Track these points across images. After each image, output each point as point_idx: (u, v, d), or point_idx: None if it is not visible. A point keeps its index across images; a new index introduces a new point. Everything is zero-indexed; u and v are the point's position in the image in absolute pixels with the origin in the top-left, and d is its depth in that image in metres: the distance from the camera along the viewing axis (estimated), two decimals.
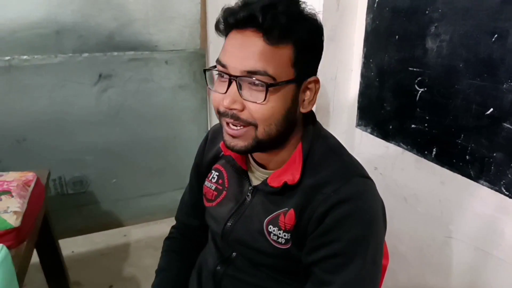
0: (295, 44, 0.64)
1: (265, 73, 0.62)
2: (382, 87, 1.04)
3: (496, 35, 0.74)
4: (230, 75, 0.64)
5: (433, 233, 0.95)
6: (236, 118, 0.65)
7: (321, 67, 1.08)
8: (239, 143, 0.68)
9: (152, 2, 1.85)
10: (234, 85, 0.64)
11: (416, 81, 0.92)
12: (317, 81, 0.71)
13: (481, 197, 0.82)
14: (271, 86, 0.63)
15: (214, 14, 1.89)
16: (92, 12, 1.75)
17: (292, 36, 0.64)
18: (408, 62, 0.94)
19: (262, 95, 0.63)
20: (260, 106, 0.64)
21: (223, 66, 0.65)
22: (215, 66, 0.68)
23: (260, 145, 0.68)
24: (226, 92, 0.65)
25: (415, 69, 0.92)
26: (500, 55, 0.73)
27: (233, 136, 0.68)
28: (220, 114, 0.68)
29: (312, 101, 0.72)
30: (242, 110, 0.65)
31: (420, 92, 0.92)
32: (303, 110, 0.72)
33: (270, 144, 0.69)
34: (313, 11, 0.68)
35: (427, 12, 0.87)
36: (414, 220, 1.00)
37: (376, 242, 0.68)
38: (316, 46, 0.70)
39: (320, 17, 1.02)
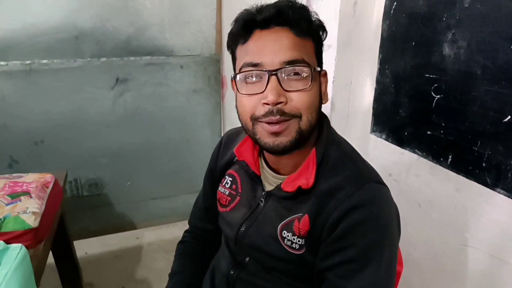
0: (314, 37, 0.70)
1: (303, 61, 0.66)
2: (397, 93, 1.03)
3: None
4: (268, 71, 0.65)
5: (448, 240, 0.94)
6: (282, 113, 0.65)
7: (336, 73, 1.09)
8: (284, 139, 0.67)
9: (168, 8, 1.88)
10: (274, 79, 0.65)
11: (433, 87, 0.92)
12: (326, 74, 0.76)
13: (497, 204, 0.80)
14: (314, 71, 0.67)
15: (229, 19, 1.91)
16: (110, 17, 1.79)
17: (313, 28, 0.70)
18: (424, 68, 0.94)
19: (305, 82, 0.66)
20: (303, 94, 0.66)
21: (256, 65, 0.66)
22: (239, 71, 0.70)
23: (301, 138, 0.68)
24: (264, 91, 0.65)
25: (431, 76, 0.92)
26: None
27: (277, 134, 0.67)
28: (256, 119, 0.68)
29: (326, 93, 0.76)
30: (286, 103, 0.66)
31: (436, 98, 0.91)
32: (324, 102, 0.74)
33: (308, 136, 0.70)
34: (314, 12, 0.73)
35: (444, 18, 0.87)
36: (429, 226, 0.99)
37: (391, 248, 0.68)
38: (322, 41, 0.75)
39: (336, 23, 1.04)
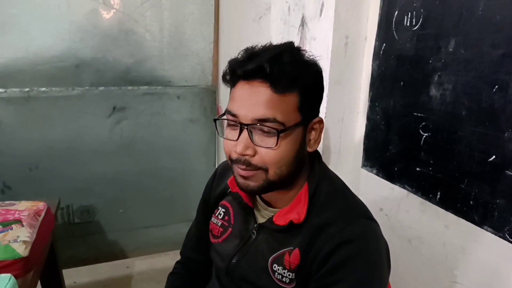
0: (301, 91, 0.69)
1: (274, 120, 0.66)
2: (387, 130, 1.07)
3: (496, 86, 0.77)
4: (241, 124, 0.68)
5: (437, 277, 0.95)
6: (247, 164, 0.68)
7: (328, 109, 1.12)
8: (251, 184, 0.71)
9: (168, 41, 1.94)
10: (245, 132, 0.67)
11: (421, 126, 0.95)
12: (321, 121, 0.75)
13: (485, 243, 0.82)
14: (281, 132, 0.66)
15: (226, 52, 1.97)
16: (111, 48, 1.84)
17: (298, 84, 0.68)
18: (412, 108, 0.97)
19: (274, 140, 0.67)
20: (271, 151, 0.67)
21: (234, 115, 0.69)
22: (223, 114, 0.72)
23: (271, 186, 0.71)
24: (237, 139, 0.68)
25: (419, 115, 0.95)
26: (501, 105, 0.76)
27: (245, 177, 0.70)
28: (232, 161, 0.72)
29: (318, 140, 0.76)
30: (254, 155, 0.68)
31: (424, 136, 0.94)
32: (309, 150, 0.75)
33: (281, 184, 0.72)
34: (313, 57, 0.73)
35: (430, 61, 0.91)
36: (419, 262, 1.00)
37: (380, 284, 0.69)
38: (319, 89, 0.75)
39: (328, 62, 1.08)
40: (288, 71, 0.67)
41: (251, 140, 0.68)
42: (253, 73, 0.67)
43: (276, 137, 0.66)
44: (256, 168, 0.69)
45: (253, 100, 0.67)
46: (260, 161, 0.68)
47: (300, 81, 0.68)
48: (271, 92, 0.66)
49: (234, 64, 0.70)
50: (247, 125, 0.67)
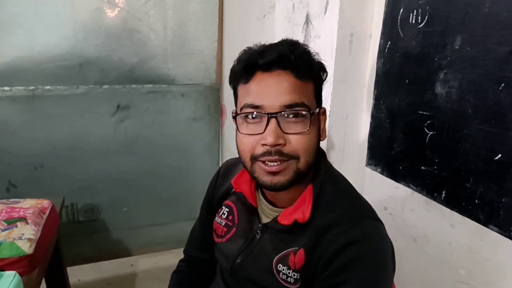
0: (314, 79, 0.72)
1: (302, 104, 0.68)
2: (392, 128, 1.06)
3: (503, 84, 0.76)
4: (268, 113, 0.67)
5: (443, 276, 0.94)
6: (280, 153, 0.67)
7: (332, 107, 1.12)
8: (282, 179, 0.69)
9: (171, 40, 1.94)
10: (273, 122, 0.67)
11: (426, 124, 0.94)
12: (325, 111, 0.77)
13: (491, 242, 0.81)
14: (312, 114, 0.68)
15: (230, 51, 1.97)
16: (115, 47, 1.84)
17: (313, 71, 0.72)
18: (418, 106, 0.97)
19: (304, 125, 0.68)
20: (302, 137, 0.68)
21: (257, 107, 0.68)
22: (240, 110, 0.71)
23: (299, 178, 0.70)
24: (264, 132, 0.67)
25: (424, 113, 0.95)
26: (507, 103, 0.75)
27: (275, 173, 0.69)
28: (254, 159, 0.70)
29: (324, 130, 0.77)
30: (285, 145, 0.67)
31: (429, 135, 0.94)
32: (322, 139, 0.76)
33: (305, 175, 0.72)
34: (315, 52, 0.75)
35: (436, 59, 0.90)
36: (424, 261, 0.99)
37: (385, 285, 0.68)
38: (323, 80, 0.77)
39: (333, 60, 1.07)
40: (306, 59, 0.70)
41: (280, 129, 0.67)
42: (275, 62, 0.68)
43: (308, 121, 0.68)
44: (289, 157, 0.68)
45: (279, 88, 0.68)
46: (292, 149, 0.68)
47: (314, 68, 0.72)
48: (294, 79, 0.68)
49: (251, 56, 0.70)
50: (275, 113, 0.67)
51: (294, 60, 0.68)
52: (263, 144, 0.67)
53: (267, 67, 0.69)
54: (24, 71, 1.73)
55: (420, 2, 0.94)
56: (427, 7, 0.92)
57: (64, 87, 1.80)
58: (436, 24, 0.90)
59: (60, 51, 1.76)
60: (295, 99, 0.67)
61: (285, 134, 0.67)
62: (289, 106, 0.67)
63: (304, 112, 0.68)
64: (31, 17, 1.69)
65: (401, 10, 1.00)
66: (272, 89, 0.68)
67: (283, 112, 0.67)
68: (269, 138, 0.66)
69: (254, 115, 0.69)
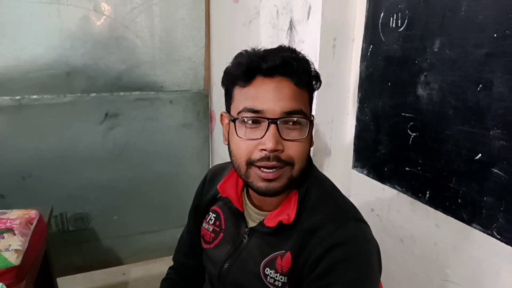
0: (309, 88, 0.74)
1: (301, 112, 0.69)
2: (377, 130, 1.07)
3: (481, 85, 0.78)
4: (269, 119, 0.67)
5: (430, 276, 0.95)
6: (278, 159, 0.68)
7: (318, 111, 1.13)
8: (276, 185, 0.70)
9: (159, 46, 1.94)
10: (273, 127, 0.67)
11: (409, 125, 0.96)
12: (313, 119, 0.78)
13: (474, 240, 0.83)
14: (311, 122, 0.70)
15: (217, 57, 1.98)
16: (102, 55, 1.84)
17: (310, 80, 0.73)
18: (400, 108, 0.98)
19: (302, 132, 0.69)
20: (299, 144, 0.69)
21: (257, 111, 0.68)
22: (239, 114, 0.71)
23: (291, 184, 0.71)
24: (263, 137, 0.67)
25: (407, 115, 0.96)
26: (486, 104, 0.77)
27: (270, 180, 0.69)
28: (251, 163, 0.69)
29: (312, 137, 0.78)
30: (283, 151, 0.68)
31: (412, 136, 0.95)
32: (311, 145, 0.76)
33: (297, 182, 0.73)
34: (311, 61, 0.76)
35: (416, 62, 0.92)
36: (411, 262, 1.01)
37: (372, 285, 0.69)
38: (315, 90, 0.78)
39: (317, 64, 1.08)
40: (306, 67, 0.72)
41: (279, 134, 0.68)
42: (278, 68, 0.68)
43: (306, 129, 0.69)
44: (285, 163, 0.69)
45: (280, 94, 0.68)
46: (288, 156, 0.69)
47: (312, 78, 0.74)
48: (294, 86, 0.70)
49: (253, 60, 0.70)
50: (276, 119, 0.67)
51: (296, 68, 0.69)
52: (262, 149, 0.68)
53: (270, 73, 0.69)
54: (10, 80, 1.71)
55: (399, 6, 0.96)
56: (407, 11, 0.94)
57: (51, 96, 1.79)
58: (416, 28, 0.92)
59: (47, 60, 1.76)
60: (295, 106, 0.68)
61: (284, 141, 0.68)
62: (290, 113, 0.68)
63: (303, 120, 0.69)
64: (17, 26, 1.68)
65: (382, 14, 1.02)
66: (273, 95, 0.68)
67: (283, 118, 0.68)
68: (269, 144, 0.66)
69: (253, 120, 0.69)
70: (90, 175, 1.95)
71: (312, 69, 0.74)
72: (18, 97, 1.73)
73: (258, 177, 0.70)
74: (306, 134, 0.70)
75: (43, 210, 1.35)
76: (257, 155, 0.68)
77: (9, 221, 1.14)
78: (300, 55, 0.73)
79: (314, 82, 0.76)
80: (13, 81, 1.72)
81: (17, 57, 1.71)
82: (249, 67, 0.70)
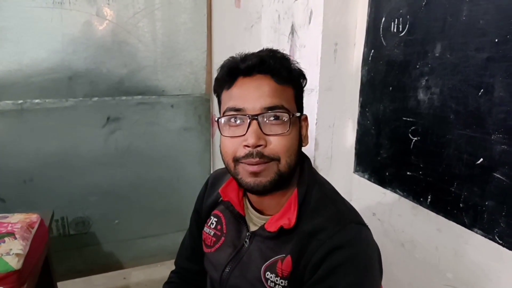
0: (293, 84, 0.75)
1: (282, 107, 0.70)
2: (378, 135, 1.07)
3: (482, 90, 0.78)
4: (250, 115, 0.69)
5: (431, 280, 0.95)
6: (261, 155, 0.68)
7: (319, 115, 1.14)
8: (263, 179, 0.70)
9: (161, 51, 1.95)
10: (254, 123, 0.68)
11: (410, 130, 0.96)
12: (306, 118, 0.80)
13: (476, 245, 0.82)
14: (292, 116, 0.70)
15: (219, 61, 1.97)
16: (104, 59, 1.85)
17: (292, 76, 0.74)
18: (402, 112, 0.98)
19: (284, 127, 0.70)
20: (282, 138, 0.69)
21: (239, 110, 0.70)
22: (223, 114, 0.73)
23: (281, 179, 0.71)
24: (246, 134, 0.69)
25: (408, 119, 0.96)
26: (487, 108, 0.77)
27: (256, 173, 0.70)
28: (237, 161, 0.71)
29: (306, 136, 0.79)
30: (266, 146, 0.69)
31: (414, 140, 0.95)
32: (304, 145, 0.77)
33: (288, 177, 0.73)
34: (294, 60, 0.77)
35: (417, 66, 0.92)
36: (412, 266, 1.00)
37: None
38: (303, 86, 0.79)
39: (318, 69, 1.09)
40: (285, 64, 0.73)
41: (261, 130, 0.69)
42: (255, 67, 0.71)
43: (287, 123, 0.70)
44: (269, 159, 0.69)
45: (259, 91, 0.70)
46: (272, 151, 0.69)
47: (293, 74, 0.74)
48: (274, 83, 0.71)
49: (233, 62, 0.73)
50: (256, 115, 0.69)
51: (274, 64, 0.71)
52: (245, 146, 0.69)
53: (248, 72, 0.71)
54: (12, 85, 1.72)
55: (400, 11, 0.96)
56: (408, 16, 0.94)
57: (53, 100, 1.79)
58: (417, 32, 0.92)
59: (49, 64, 1.76)
60: (275, 102, 0.70)
61: (266, 136, 0.69)
62: (270, 108, 0.69)
63: (283, 114, 0.70)
64: (20, 30, 1.69)
65: (383, 19, 1.02)
66: (253, 93, 0.70)
67: (264, 114, 0.69)
68: (250, 139, 0.68)
69: (235, 118, 0.71)
70: (91, 179, 1.95)
71: (292, 66, 0.75)
72: (20, 101, 1.74)
73: (245, 172, 0.71)
74: (288, 129, 0.70)
75: (44, 214, 1.35)
76: (241, 152, 0.70)
77: (10, 225, 1.14)
78: (278, 53, 0.74)
79: (301, 80, 0.77)
80: (15, 85, 1.73)
81: (20, 61, 1.72)
82: (230, 68, 0.73)
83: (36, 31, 1.72)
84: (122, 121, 1.95)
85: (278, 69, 0.71)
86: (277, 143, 0.69)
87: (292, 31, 1.19)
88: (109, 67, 1.87)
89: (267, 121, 0.70)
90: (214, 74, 2.14)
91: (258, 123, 0.69)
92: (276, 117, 0.70)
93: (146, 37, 1.91)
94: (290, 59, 0.76)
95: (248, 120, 0.69)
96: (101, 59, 1.85)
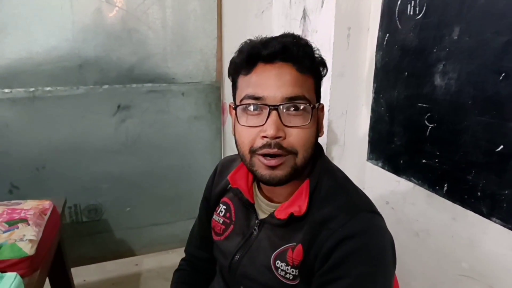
0: (314, 74, 0.72)
1: (303, 97, 0.67)
2: (392, 122, 1.05)
3: (503, 74, 0.75)
4: (269, 105, 0.66)
5: (446, 270, 0.93)
6: (279, 146, 0.66)
7: (331, 102, 1.11)
8: (279, 173, 0.68)
9: (171, 38, 1.94)
10: (274, 114, 0.66)
11: (426, 117, 0.93)
12: (323, 107, 0.77)
13: (493, 234, 0.80)
14: (313, 108, 0.68)
15: (229, 48, 1.96)
16: (114, 47, 1.84)
17: (314, 65, 0.71)
18: (417, 98, 0.95)
19: (305, 119, 0.67)
20: (302, 131, 0.67)
21: (258, 98, 0.67)
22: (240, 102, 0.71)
23: (296, 173, 0.70)
24: (265, 124, 0.66)
25: (424, 105, 0.93)
26: (507, 94, 0.74)
27: (273, 167, 0.68)
28: (253, 151, 0.69)
29: (322, 126, 0.76)
30: (285, 138, 0.67)
31: (430, 127, 0.93)
32: (320, 135, 0.75)
33: (303, 171, 0.71)
34: (316, 47, 0.74)
35: (434, 50, 0.89)
36: (427, 255, 0.98)
37: (385, 279, 0.67)
38: (322, 77, 0.76)
39: (331, 54, 1.06)
40: (308, 52, 0.70)
41: (281, 121, 0.66)
42: (278, 53, 0.67)
43: (309, 115, 0.67)
44: (287, 152, 0.67)
45: (281, 80, 0.67)
46: (291, 144, 0.67)
47: (315, 63, 0.71)
48: (295, 71, 0.68)
49: (254, 47, 0.69)
50: (277, 105, 0.66)
51: (297, 53, 0.68)
52: (263, 137, 0.67)
53: (270, 59, 0.68)
54: (23, 72, 1.73)
55: None
56: None
57: (64, 88, 1.80)
58: (434, 15, 0.89)
59: (60, 52, 1.76)
60: (296, 92, 0.67)
61: (286, 127, 0.67)
62: (291, 99, 0.66)
63: (305, 106, 0.67)
64: (30, 18, 1.69)
65: (399, 1, 0.98)
66: (274, 81, 0.67)
67: (284, 105, 0.66)
68: (270, 130, 0.65)
69: (254, 107, 0.68)
70: (103, 167, 1.97)
71: (316, 54, 0.72)
72: (32, 89, 1.75)
73: (262, 165, 0.69)
74: (309, 121, 0.67)
75: (57, 201, 1.36)
76: (259, 142, 0.67)
77: (23, 211, 1.15)
78: (302, 40, 0.71)
79: (321, 69, 0.74)
80: (27, 73, 1.74)
81: (30, 50, 1.72)
82: (250, 54, 0.69)
83: (46, 19, 1.72)
84: (133, 109, 1.95)
85: (301, 57, 0.68)
86: (296, 136, 0.67)
87: (304, 15, 1.16)
88: (119, 55, 1.86)
89: (287, 112, 0.67)
90: (225, 62, 2.13)
91: (278, 114, 0.66)
92: (297, 108, 0.67)
93: (156, 24, 1.90)
94: (313, 46, 0.72)
95: (268, 110, 0.66)
96: (111, 46, 1.84)
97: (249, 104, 0.68)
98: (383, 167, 1.11)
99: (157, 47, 1.93)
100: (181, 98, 2.04)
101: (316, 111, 0.71)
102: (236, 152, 0.77)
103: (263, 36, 0.73)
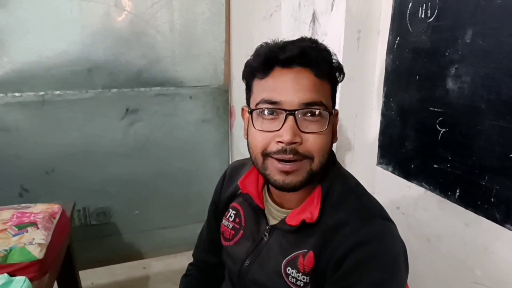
0: (331, 79, 0.71)
1: (321, 103, 0.66)
2: (403, 126, 1.03)
3: None
4: (286, 110, 0.65)
5: (458, 277, 0.91)
6: (295, 152, 0.65)
7: (341, 106, 1.10)
8: (294, 179, 0.67)
9: (179, 41, 1.94)
10: (291, 119, 0.65)
11: (438, 121, 0.92)
12: (337, 113, 0.76)
13: (508, 241, 0.78)
14: (331, 114, 0.67)
15: (237, 51, 1.96)
16: (123, 50, 1.85)
17: (332, 71, 0.70)
18: (429, 102, 0.94)
19: (322, 125, 0.66)
20: (318, 137, 0.66)
21: (274, 103, 0.66)
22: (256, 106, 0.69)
23: (311, 179, 0.69)
24: (280, 129, 0.65)
25: (436, 109, 0.92)
26: None
27: (287, 173, 0.67)
28: (267, 155, 0.68)
29: (336, 132, 0.76)
30: (301, 144, 0.66)
31: (441, 132, 0.91)
32: (334, 141, 0.74)
33: (317, 177, 0.70)
34: (334, 52, 0.72)
35: (447, 53, 0.87)
36: (438, 262, 0.97)
37: (398, 286, 0.66)
38: (338, 83, 0.75)
39: (341, 57, 1.05)
40: (326, 57, 0.69)
41: (297, 127, 0.65)
42: (296, 58, 0.66)
43: (326, 121, 0.66)
44: (303, 157, 0.66)
45: (298, 85, 0.66)
46: (307, 149, 0.66)
47: (333, 68, 0.70)
48: (313, 77, 0.67)
49: (271, 51, 0.68)
50: (294, 110, 0.65)
51: (315, 58, 0.67)
52: (279, 142, 0.66)
53: (287, 63, 0.67)
54: (33, 76, 1.74)
55: None
56: (437, 1, 0.90)
57: (73, 91, 1.81)
58: (446, 18, 0.88)
59: (69, 56, 1.77)
60: (314, 97, 0.66)
61: (302, 133, 0.66)
62: (308, 104, 0.66)
63: (322, 112, 0.66)
64: (40, 23, 1.70)
65: (410, 4, 0.97)
66: (291, 86, 0.66)
67: (301, 110, 0.65)
68: (286, 136, 0.64)
69: (270, 111, 0.67)
70: (111, 170, 1.97)
71: (333, 60, 0.71)
72: (41, 93, 1.76)
73: (275, 169, 0.67)
74: (326, 127, 0.67)
75: (66, 205, 1.37)
76: (273, 147, 0.66)
77: (32, 215, 1.16)
78: (320, 45, 0.70)
79: (337, 74, 0.73)
80: (37, 77, 1.75)
81: (40, 53, 1.73)
82: (267, 57, 0.68)
83: (55, 23, 1.73)
84: (141, 113, 1.96)
85: (319, 62, 0.67)
86: (313, 142, 0.66)
87: (314, 18, 1.15)
88: (127, 58, 1.87)
89: (304, 117, 0.66)
90: (233, 65, 2.12)
91: (295, 119, 0.65)
92: (314, 114, 0.66)
93: (164, 28, 1.90)
94: (331, 51, 0.71)
95: (284, 115, 0.65)
96: (119, 50, 1.85)
97: (265, 109, 0.67)
98: (393, 172, 1.09)
99: (165, 50, 1.93)
100: (189, 101, 2.04)
101: (332, 118, 0.70)
102: (246, 156, 0.76)
103: (275, 39, 0.72)
